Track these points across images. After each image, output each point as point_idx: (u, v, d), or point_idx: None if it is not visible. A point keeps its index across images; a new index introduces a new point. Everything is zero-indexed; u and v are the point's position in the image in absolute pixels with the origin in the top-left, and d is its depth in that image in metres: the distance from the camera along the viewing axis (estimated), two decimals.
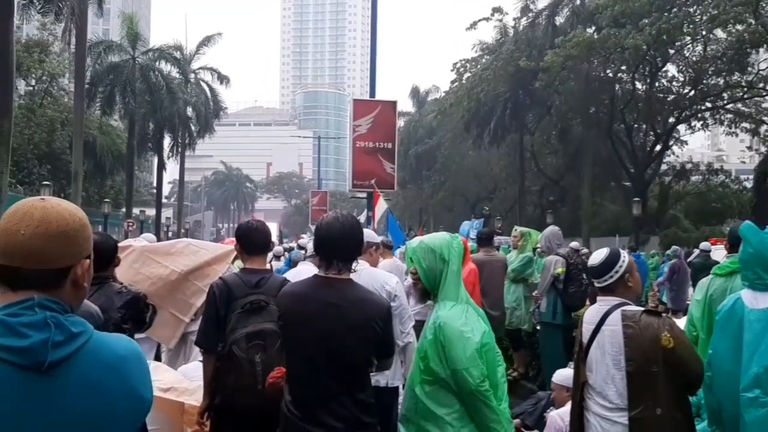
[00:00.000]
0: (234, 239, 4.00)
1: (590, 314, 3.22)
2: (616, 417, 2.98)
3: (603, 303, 3.17)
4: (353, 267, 2.91)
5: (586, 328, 3.18)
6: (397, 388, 4.19)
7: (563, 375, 4.91)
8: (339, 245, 2.83)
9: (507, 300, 8.06)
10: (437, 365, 2.89)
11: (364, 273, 4.11)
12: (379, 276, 4.26)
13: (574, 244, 10.47)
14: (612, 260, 3.16)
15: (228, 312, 3.36)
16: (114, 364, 1.35)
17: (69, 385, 1.29)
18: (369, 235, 4.69)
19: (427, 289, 3.09)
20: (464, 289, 3.05)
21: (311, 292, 2.84)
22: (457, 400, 2.87)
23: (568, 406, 4.62)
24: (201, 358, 3.77)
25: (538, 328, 7.84)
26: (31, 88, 35.26)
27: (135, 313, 3.45)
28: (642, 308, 3.09)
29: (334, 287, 2.80)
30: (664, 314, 3.13)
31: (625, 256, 3.18)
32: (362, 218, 14.87)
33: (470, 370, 2.80)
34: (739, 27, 24.73)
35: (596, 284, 3.22)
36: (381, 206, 11.07)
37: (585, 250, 16.31)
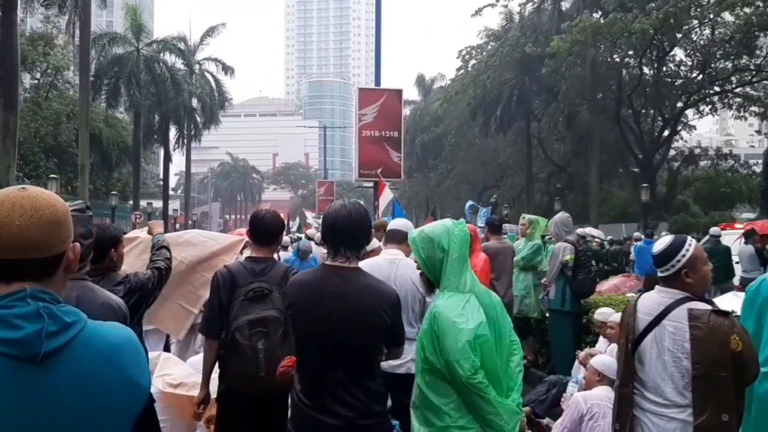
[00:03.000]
0: (241, 230, 4.01)
1: (648, 304, 3.00)
2: (673, 413, 2.84)
3: (664, 294, 2.96)
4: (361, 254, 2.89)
5: (641, 318, 2.98)
6: None
7: (602, 360, 4.84)
8: (346, 234, 2.82)
9: (516, 288, 8.04)
10: (432, 355, 2.87)
11: (403, 263, 4.15)
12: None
13: (580, 230, 10.36)
14: (673, 250, 2.94)
15: (231, 299, 3.40)
16: (109, 353, 1.35)
17: (64, 375, 1.28)
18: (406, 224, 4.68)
19: (430, 278, 3.05)
20: (470, 278, 2.99)
21: (319, 281, 2.83)
22: (454, 390, 2.85)
23: (594, 391, 4.58)
24: None
25: (547, 315, 7.81)
26: (36, 81, 35.32)
27: (145, 291, 3.41)
28: (710, 307, 2.87)
29: (341, 276, 2.78)
30: (731, 314, 2.91)
31: (686, 251, 2.92)
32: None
33: (461, 362, 2.77)
34: (747, 10, 24.47)
35: (658, 274, 3.02)
36: (386, 196, 11.04)
37: (595, 233, 16.25)
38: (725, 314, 2.86)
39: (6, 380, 1.24)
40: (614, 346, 4.97)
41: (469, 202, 18.90)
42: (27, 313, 1.27)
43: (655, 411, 2.90)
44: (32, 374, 1.25)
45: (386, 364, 3.79)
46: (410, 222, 5.02)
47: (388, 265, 4.19)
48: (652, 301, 3.00)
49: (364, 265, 4.32)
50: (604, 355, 5.01)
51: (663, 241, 3.07)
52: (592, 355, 5.26)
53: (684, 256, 2.91)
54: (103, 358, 1.33)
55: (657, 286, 3.05)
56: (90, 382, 1.30)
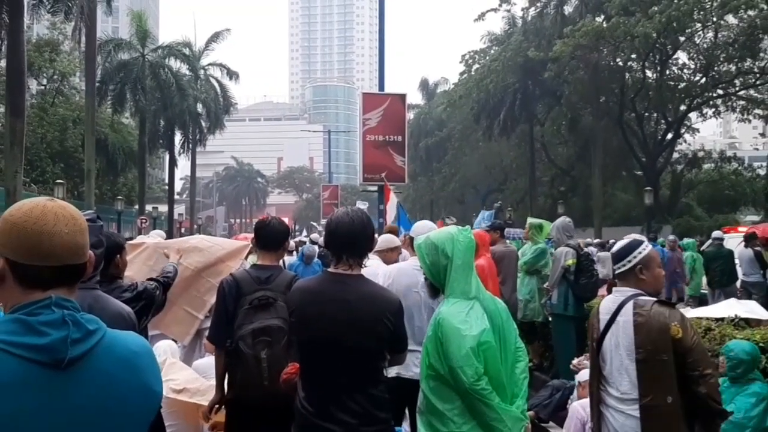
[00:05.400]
0: (246, 235, 4.06)
1: (606, 305, 3.23)
2: (631, 410, 2.99)
3: (619, 293, 3.19)
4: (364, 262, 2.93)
5: (602, 319, 3.19)
6: None
7: (584, 374, 5.02)
8: (349, 241, 2.84)
9: (521, 292, 8.03)
10: (436, 361, 2.90)
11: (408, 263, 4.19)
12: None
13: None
14: (627, 249, 3.18)
15: (237, 308, 3.40)
16: (127, 359, 1.39)
17: (86, 381, 1.32)
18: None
19: (435, 284, 3.10)
20: (475, 284, 3.02)
21: (322, 288, 2.85)
22: (458, 396, 2.88)
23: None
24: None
25: (550, 319, 7.84)
26: (42, 87, 35.50)
27: (152, 299, 3.48)
28: (655, 299, 3.08)
29: (344, 283, 2.81)
30: (677, 306, 3.13)
31: (642, 249, 3.16)
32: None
33: (464, 369, 2.79)
34: (750, 12, 24.49)
35: (614, 271, 3.27)
36: (392, 201, 11.06)
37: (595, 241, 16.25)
38: (669, 304, 3.09)
39: (32, 385, 1.27)
40: None
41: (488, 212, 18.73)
42: (53, 321, 1.31)
43: (616, 407, 3.06)
44: (57, 379, 1.29)
45: (403, 370, 3.85)
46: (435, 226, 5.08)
47: (415, 272, 4.15)
48: (610, 301, 3.23)
49: (392, 269, 4.41)
50: (585, 370, 5.19)
51: (622, 241, 3.33)
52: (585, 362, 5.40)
53: (640, 253, 3.15)
54: (123, 364, 1.38)
55: (614, 288, 3.29)
56: (111, 387, 1.35)
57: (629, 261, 3.13)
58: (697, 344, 3.01)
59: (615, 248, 3.29)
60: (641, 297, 3.09)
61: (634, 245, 3.20)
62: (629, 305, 3.07)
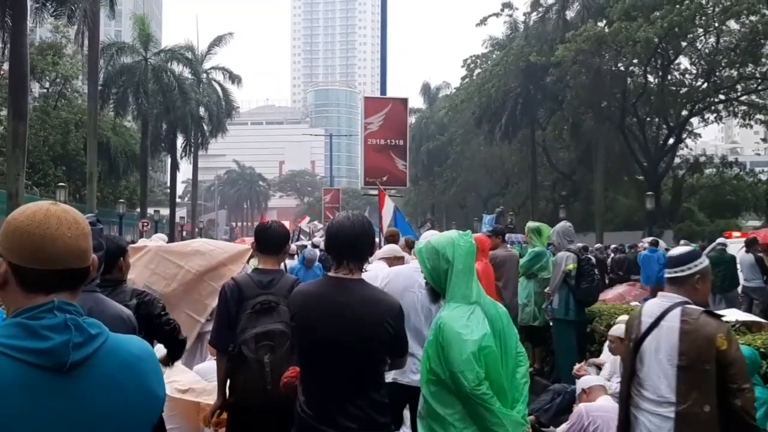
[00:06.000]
0: (245, 239, 4.05)
1: (650, 308, 3.23)
2: (667, 412, 3.00)
3: (665, 298, 3.19)
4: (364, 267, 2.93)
5: (644, 321, 3.19)
6: None
7: (584, 380, 5.16)
8: (349, 246, 2.83)
9: (520, 296, 8.07)
10: (437, 366, 2.90)
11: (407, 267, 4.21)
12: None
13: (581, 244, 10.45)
14: (692, 256, 3.20)
15: (239, 312, 3.40)
16: (130, 364, 1.40)
17: (88, 385, 1.32)
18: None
19: (436, 289, 3.10)
20: (476, 289, 3.02)
21: (323, 292, 2.85)
22: (459, 401, 2.88)
23: (598, 402, 4.72)
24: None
25: (551, 324, 7.83)
26: (45, 90, 35.54)
27: (149, 316, 3.47)
28: (703, 308, 3.09)
29: (345, 287, 2.80)
30: (724, 319, 3.14)
31: (704, 260, 3.20)
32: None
33: (465, 373, 2.80)
34: (752, 18, 24.51)
35: (667, 274, 3.26)
36: (388, 206, 11.03)
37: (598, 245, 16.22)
38: (717, 316, 3.08)
39: (34, 389, 1.27)
40: (617, 358, 5.11)
41: (490, 217, 18.79)
42: (55, 325, 1.31)
43: (653, 410, 3.05)
44: (59, 384, 1.29)
45: (400, 375, 3.85)
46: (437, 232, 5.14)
47: (413, 273, 4.24)
48: (654, 305, 3.23)
49: (390, 272, 4.43)
50: (586, 376, 5.21)
51: (685, 247, 3.43)
52: (593, 365, 5.38)
53: (702, 263, 3.17)
54: (126, 369, 1.38)
55: (660, 292, 3.29)
56: (113, 391, 1.35)
57: (689, 268, 3.13)
58: (740, 358, 3.00)
59: (677, 251, 3.29)
60: (690, 306, 3.09)
61: (697, 254, 3.24)
62: (676, 311, 3.07)
